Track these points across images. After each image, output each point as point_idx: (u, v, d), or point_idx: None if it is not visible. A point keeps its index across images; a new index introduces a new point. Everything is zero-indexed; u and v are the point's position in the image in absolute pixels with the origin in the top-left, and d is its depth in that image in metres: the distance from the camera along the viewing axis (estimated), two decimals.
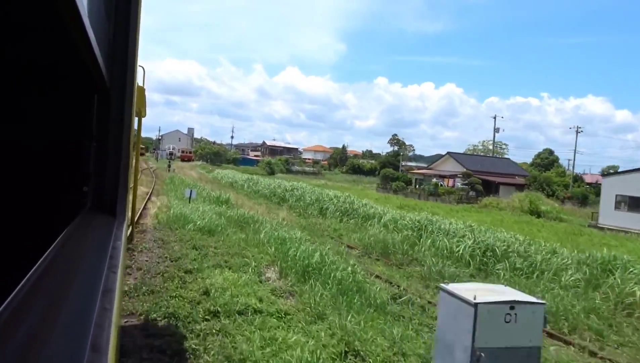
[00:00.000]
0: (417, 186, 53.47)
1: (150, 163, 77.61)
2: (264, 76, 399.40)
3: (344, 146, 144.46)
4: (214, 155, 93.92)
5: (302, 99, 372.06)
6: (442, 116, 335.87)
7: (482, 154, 71.80)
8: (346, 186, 65.46)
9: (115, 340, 1.00)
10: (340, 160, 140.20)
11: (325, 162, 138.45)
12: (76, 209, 1.94)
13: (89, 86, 1.90)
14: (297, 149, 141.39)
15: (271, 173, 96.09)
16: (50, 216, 2.00)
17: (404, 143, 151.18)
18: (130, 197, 2.99)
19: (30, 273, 0.97)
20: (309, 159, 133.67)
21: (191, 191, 18.16)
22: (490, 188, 45.67)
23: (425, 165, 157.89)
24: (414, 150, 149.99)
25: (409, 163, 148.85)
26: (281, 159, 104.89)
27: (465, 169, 49.92)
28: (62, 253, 1.21)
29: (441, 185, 49.54)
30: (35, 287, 0.91)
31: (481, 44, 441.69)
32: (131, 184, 2.88)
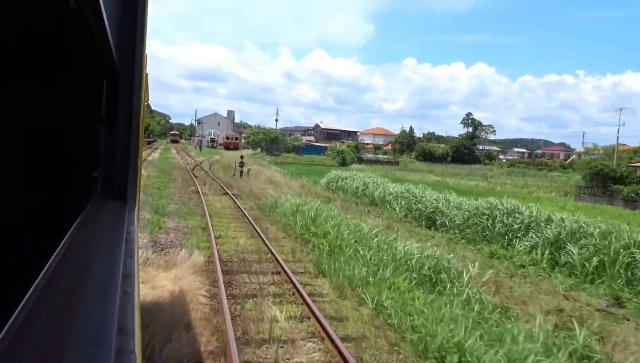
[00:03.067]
0: None
1: (194, 155, 57.04)
2: (291, 60, 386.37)
3: (411, 128, 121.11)
4: (270, 142, 72.81)
5: (329, 82, 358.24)
6: (472, 96, 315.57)
7: None
8: (484, 187, 43.40)
9: (139, 323, 1.01)
10: (407, 145, 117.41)
11: (389, 147, 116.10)
12: (88, 195, 1.96)
13: (99, 70, 1.90)
14: (356, 132, 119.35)
15: (342, 163, 75.14)
16: (64, 203, 1.99)
17: (481, 123, 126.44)
18: (140, 181, 2.66)
19: (50, 260, 0.99)
20: (368, 144, 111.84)
21: None
22: None
23: (497, 149, 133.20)
24: (494, 131, 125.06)
25: (487, 147, 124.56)
26: (350, 145, 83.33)
27: None
28: (78, 239, 1.22)
29: None
30: (57, 273, 0.92)
31: (514, 21, 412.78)
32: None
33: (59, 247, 1.09)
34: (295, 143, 75.39)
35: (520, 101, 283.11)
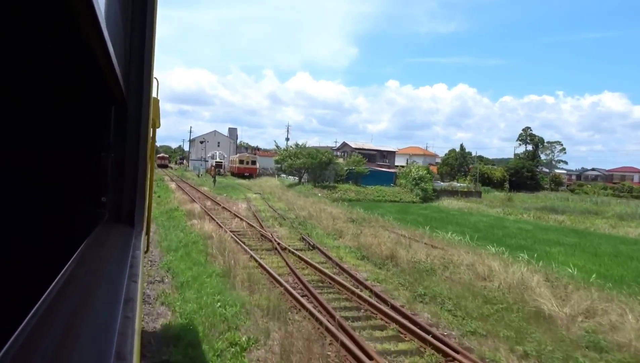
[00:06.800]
0: None
1: (208, 192, 31.25)
2: (275, 82, 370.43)
3: (462, 147, 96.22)
4: (319, 168, 46.96)
5: (314, 104, 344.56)
6: (455, 117, 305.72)
7: None
8: None
9: (138, 348, 1.01)
10: (459, 167, 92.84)
11: (434, 169, 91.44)
12: (95, 220, 1.95)
13: (107, 98, 1.93)
14: (393, 152, 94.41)
15: (424, 198, 50.04)
16: (71, 227, 2.01)
17: (543, 140, 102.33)
18: (147, 207, 2.82)
19: (53, 283, 1.00)
20: (404, 166, 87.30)
21: None
22: None
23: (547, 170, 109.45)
24: (563, 149, 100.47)
25: (544, 169, 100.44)
26: (421, 169, 58.25)
27: None
28: (83, 263, 1.23)
29: None
30: (59, 297, 0.94)
31: (495, 43, 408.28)
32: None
33: (62, 271, 1.09)
34: (354, 167, 49.68)
35: (501, 121, 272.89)
